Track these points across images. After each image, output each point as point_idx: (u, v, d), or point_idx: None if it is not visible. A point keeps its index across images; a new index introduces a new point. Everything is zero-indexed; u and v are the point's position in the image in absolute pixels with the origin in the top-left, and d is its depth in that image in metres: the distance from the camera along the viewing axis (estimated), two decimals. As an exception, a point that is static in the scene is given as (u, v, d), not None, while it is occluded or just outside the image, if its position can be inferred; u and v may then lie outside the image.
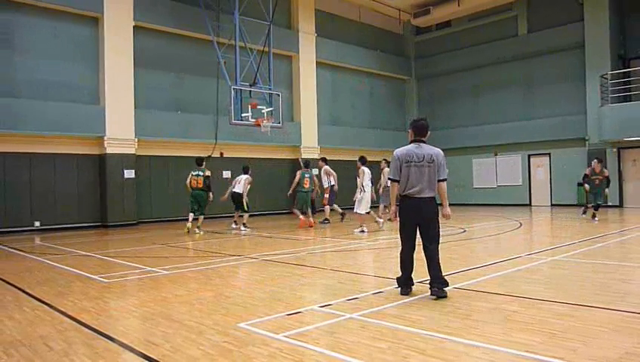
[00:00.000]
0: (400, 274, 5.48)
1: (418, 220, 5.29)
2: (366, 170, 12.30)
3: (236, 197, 13.93)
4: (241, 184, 13.86)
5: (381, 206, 14.84)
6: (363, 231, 11.88)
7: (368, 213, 12.27)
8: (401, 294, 5.35)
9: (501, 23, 23.32)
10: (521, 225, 13.49)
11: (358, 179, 12.29)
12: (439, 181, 5.32)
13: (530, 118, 22.23)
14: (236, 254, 8.98)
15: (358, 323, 4.34)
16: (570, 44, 21.05)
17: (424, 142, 5.38)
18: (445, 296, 5.09)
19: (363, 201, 12.12)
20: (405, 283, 5.42)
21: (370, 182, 12.32)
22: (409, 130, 5.48)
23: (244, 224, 13.97)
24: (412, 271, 5.42)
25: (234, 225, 14.38)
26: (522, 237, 11.08)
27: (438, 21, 24.35)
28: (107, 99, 15.72)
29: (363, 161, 12.57)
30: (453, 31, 25.02)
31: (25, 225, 14.68)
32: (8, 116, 13.99)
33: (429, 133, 5.46)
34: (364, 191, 12.10)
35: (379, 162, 15.30)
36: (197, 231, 13.02)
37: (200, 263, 8.03)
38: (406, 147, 5.39)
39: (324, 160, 15.34)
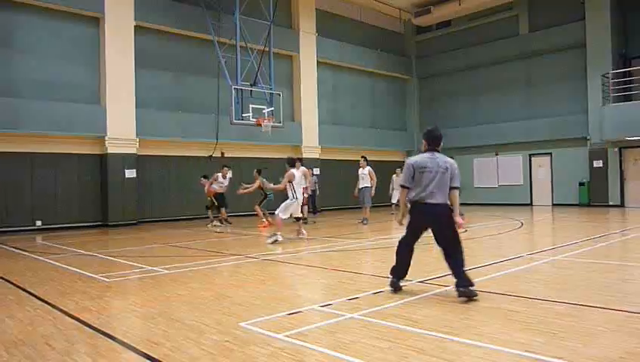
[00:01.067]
0: (395, 263, 5.48)
1: (429, 225, 5.31)
2: (296, 173, 10.67)
3: (220, 196, 14.67)
4: (226, 180, 14.71)
5: (366, 208, 14.75)
6: (276, 241, 10.13)
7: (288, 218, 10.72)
8: (390, 286, 5.42)
9: (502, 22, 23.29)
10: (522, 224, 13.48)
11: (288, 185, 10.58)
12: (452, 188, 5.32)
13: (532, 118, 22.18)
14: (237, 254, 8.98)
15: (359, 322, 4.35)
16: (571, 44, 21.01)
17: (438, 151, 5.40)
18: (475, 295, 4.96)
19: (291, 206, 10.55)
20: (396, 283, 5.42)
21: (300, 186, 10.72)
22: (423, 141, 5.51)
23: (226, 219, 14.74)
24: (405, 273, 5.44)
25: (221, 224, 14.82)
26: (523, 237, 11.08)
27: (438, 20, 24.31)
28: (108, 98, 15.74)
29: (292, 162, 10.98)
30: (454, 30, 25.01)
31: (26, 224, 14.69)
32: (9, 116, 14.01)
33: (442, 143, 5.47)
34: (297, 197, 10.53)
35: (357, 161, 15.36)
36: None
37: (201, 263, 8.03)
38: (420, 155, 5.41)
39: (299, 160, 15.57)
